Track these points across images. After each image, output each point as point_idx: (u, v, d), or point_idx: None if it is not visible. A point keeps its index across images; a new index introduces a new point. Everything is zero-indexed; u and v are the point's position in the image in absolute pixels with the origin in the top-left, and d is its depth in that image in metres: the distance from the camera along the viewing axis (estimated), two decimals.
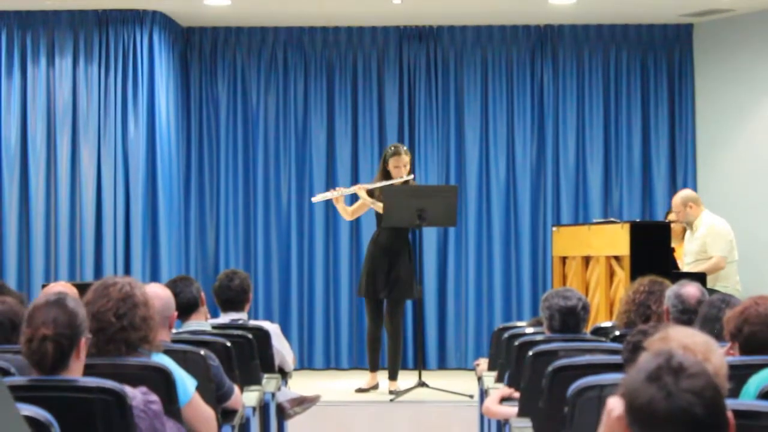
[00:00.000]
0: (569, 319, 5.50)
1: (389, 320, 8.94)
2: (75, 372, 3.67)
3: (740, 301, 4.97)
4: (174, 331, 5.11)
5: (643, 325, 4.14)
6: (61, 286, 5.40)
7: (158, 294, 4.73)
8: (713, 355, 3.13)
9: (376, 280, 8.88)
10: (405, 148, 9.05)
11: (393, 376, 9.01)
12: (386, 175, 8.92)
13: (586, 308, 5.56)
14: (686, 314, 5.09)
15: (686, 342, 3.14)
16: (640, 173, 11.15)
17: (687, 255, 9.07)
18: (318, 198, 9.21)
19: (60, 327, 3.61)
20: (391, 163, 8.89)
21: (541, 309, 5.65)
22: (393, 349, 8.98)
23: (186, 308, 5.73)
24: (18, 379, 3.75)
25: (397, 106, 11.19)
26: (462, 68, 11.20)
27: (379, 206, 8.86)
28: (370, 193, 8.98)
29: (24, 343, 3.65)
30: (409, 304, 10.86)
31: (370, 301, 8.98)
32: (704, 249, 8.93)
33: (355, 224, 10.80)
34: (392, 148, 9.02)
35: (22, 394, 3.40)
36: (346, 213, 9.21)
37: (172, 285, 5.68)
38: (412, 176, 9.00)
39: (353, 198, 9.55)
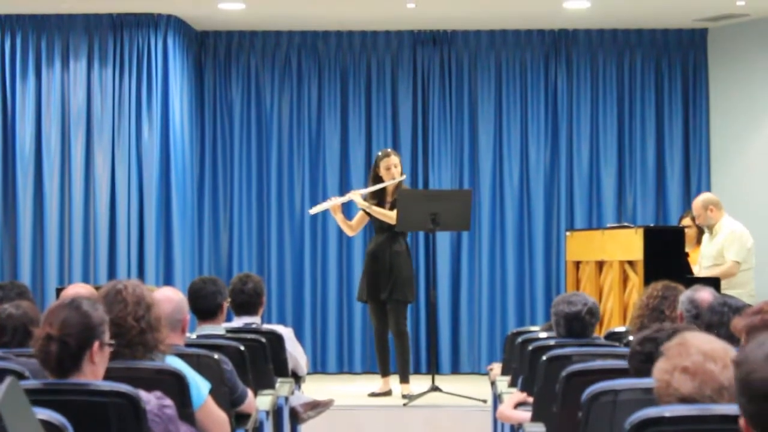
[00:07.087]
0: (574, 325, 5.49)
1: (393, 322, 8.94)
2: (90, 375, 3.68)
3: (742, 302, 4.96)
4: (188, 335, 5.11)
5: (650, 330, 4.06)
6: (81, 288, 5.38)
7: (170, 297, 4.71)
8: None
9: (378, 281, 8.88)
10: (393, 150, 9.18)
11: (404, 379, 9.00)
12: (377, 180, 8.94)
13: (592, 312, 5.53)
14: (700, 319, 5.07)
15: (705, 348, 3.15)
16: (654, 178, 11.12)
17: (705, 258, 9.02)
18: (315, 210, 9.25)
19: (67, 328, 3.62)
20: (382, 166, 8.91)
21: (551, 315, 5.66)
22: (400, 351, 8.97)
23: (208, 312, 5.73)
24: (32, 383, 3.75)
25: (410, 110, 11.18)
26: (476, 72, 11.20)
27: (374, 210, 8.89)
28: (379, 200, 8.98)
29: (33, 342, 3.68)
30: (422, 307, 10.88)
31: (373, 303, 9.00)
32: (722, 253, 8.89)
33: (369, 228, 10.81)
34: (381, 152, 9.11)
35: (36, 397, 3.39)
36: (349, 228, 9.23)
37: (201, 283, 5.69)
38: (403, 176, 9.00)
39: (353, 213, 9.53)
